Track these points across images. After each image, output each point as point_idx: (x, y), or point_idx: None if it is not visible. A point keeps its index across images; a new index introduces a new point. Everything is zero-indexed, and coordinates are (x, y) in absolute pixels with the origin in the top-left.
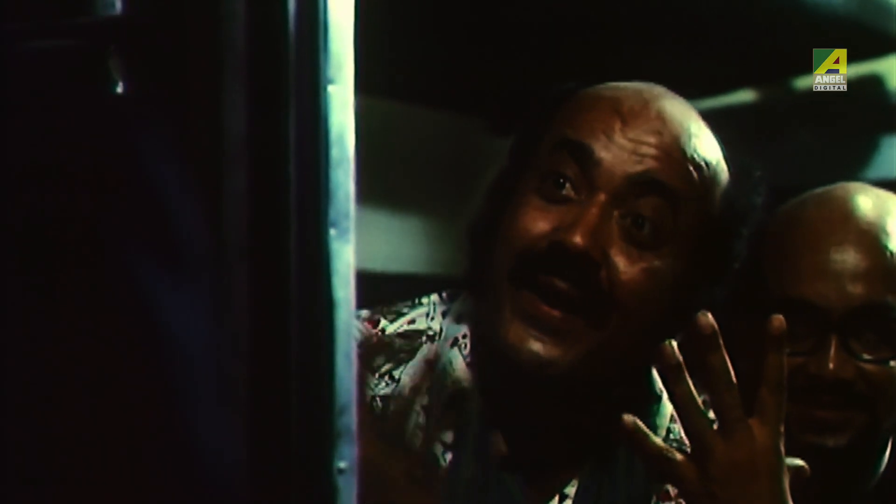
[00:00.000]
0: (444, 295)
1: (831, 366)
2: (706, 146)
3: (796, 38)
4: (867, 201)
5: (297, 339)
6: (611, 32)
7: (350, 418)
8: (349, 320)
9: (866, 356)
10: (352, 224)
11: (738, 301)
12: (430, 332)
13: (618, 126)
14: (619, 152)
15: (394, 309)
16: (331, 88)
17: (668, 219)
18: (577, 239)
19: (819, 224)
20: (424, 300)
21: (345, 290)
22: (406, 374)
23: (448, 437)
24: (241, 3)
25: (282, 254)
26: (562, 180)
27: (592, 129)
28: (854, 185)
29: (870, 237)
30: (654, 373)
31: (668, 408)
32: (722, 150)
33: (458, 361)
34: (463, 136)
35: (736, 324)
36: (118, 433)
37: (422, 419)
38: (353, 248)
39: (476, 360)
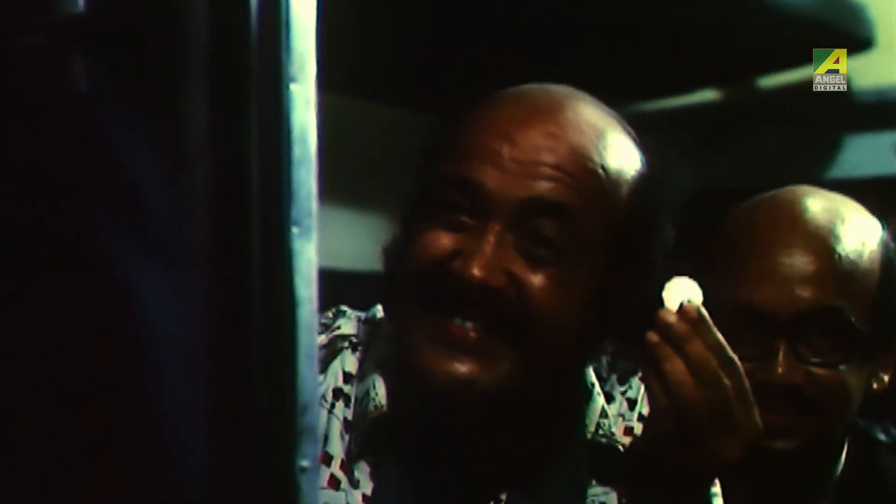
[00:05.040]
0: (381, 307)
1: (780, 371)
2: (606, 150)
3: (761, 38)
4: (816, 204)
5: (259, 337)
6: (575, 31)
7: (313, 416)
8: (311, 319)
9: (815, 360)
10: (314, 222)
11: None
12: (354, 340)
13: (505, 150)
14: (507, 179)
15: (321, 322)
16: (293, 87)
17: (567, 234)
18: (475, 271)
19: (767, 228)
20: (353, 314)
21: (307, 288)
22: (330, 372)
23: (371, 459)
24: (203, 1)
25: (244, 252)
26: (457, 210)
27: (480, 158)
28: (803, 189)
29: (818, 241)
30: (589, 370)
31: (598, 402)
32: (635, 142)
33: (382, 388)
34: (426, 135)
35: None
36: (74, 431)
37: (341, 429)
38: (315, 247)
39: (396, 386)
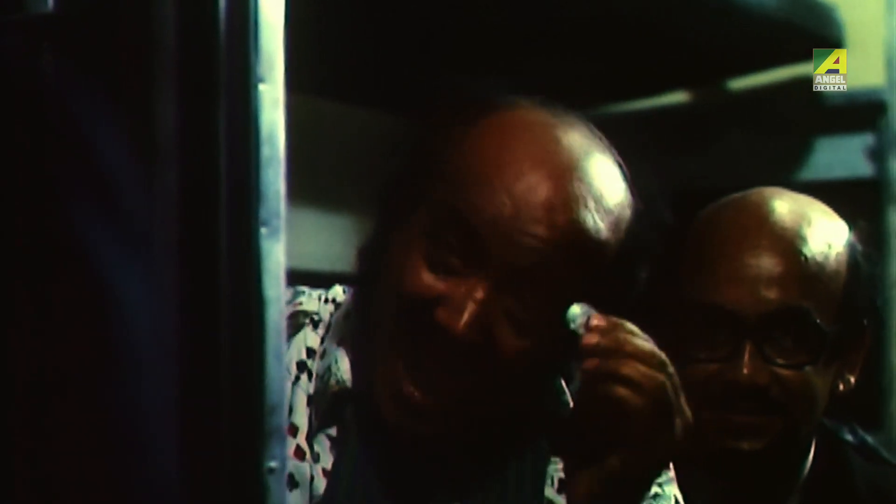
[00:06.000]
0: (340, 288)
1: (746, 372)
2: (602, 221)
3: (730, 40)
4: (783, 206)
5: (227, 337)
6: (544, 34)
7: (281, 417)
8: (280, 319)
9: (781, 362)
10: (282, 223)
11: (656, 308)
12: (315, 318)
13: (507, 211)
14: (506, 241)
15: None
16: (261, 87)
17: (551, 302)
18: (460, 327)
19: (734, 229)
20: (313, 292)
21: (275, 288)
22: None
23: (333, 432)
24: (172, 1)
25: (212, 252)
26: (448, 249)
27: (481, 208)
28: (771, 190)
29: (785, 242)
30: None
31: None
32: (627, 183)
33: (344, 363)
34: (394, 135)
35: (652, 331)
36: (41, 431)
37: (304, 405)
38: (283, 247)
39: (357, 370)
